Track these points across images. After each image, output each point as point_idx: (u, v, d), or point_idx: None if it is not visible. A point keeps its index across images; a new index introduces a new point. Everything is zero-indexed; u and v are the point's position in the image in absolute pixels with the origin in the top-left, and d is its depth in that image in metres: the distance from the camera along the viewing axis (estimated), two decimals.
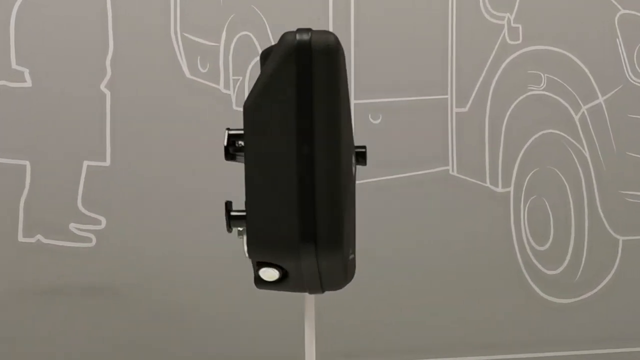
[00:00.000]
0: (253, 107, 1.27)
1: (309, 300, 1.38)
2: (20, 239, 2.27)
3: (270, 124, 1.27)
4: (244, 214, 1.30)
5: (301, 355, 2.40)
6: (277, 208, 1.28)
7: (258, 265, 1.32)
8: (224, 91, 2.36)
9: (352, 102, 2.31)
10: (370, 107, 2.40)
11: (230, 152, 1.37)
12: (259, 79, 1.30)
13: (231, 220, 1.35)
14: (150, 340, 2.32)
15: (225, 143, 1.36)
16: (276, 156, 1.28)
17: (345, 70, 1.33)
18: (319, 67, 1.28)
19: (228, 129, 1.37)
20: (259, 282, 1.33)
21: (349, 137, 1.33)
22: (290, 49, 1.28)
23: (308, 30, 1.30)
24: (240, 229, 1.34)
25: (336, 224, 1.28)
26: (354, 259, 1.39)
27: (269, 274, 1.32)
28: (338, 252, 1.28)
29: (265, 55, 1.35)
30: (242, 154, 1.35)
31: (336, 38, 1.30)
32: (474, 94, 2.49)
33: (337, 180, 1.28)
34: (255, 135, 1.28)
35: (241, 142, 1.30)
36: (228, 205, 1.37)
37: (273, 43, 2.37)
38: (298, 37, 1.29)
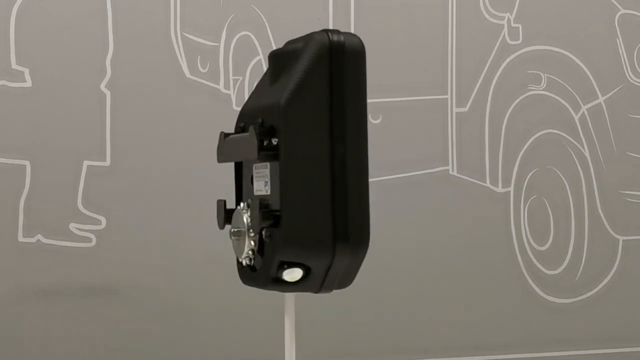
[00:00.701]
0: (289, 106, 1.28)
1: (289, 299, 1.38)
2: (20, 239, 2.27)
3: (305, 124, 1.29)
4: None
5: (302, 355, 2.40)
6: (311, 207, 1.29)
7: (281, 265, 1.32)
8: (224, 91, 2.36)
9: None
10: (370, 107, 2.39)
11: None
12: (288, 78, 1.32)
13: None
14: (151, 340, 2.32)
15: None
16: (311, 156, 1.29)
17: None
18: (350, 68, 1.31)
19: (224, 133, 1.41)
20: (276, 283, 1.33)
21: None
22: (324, 49, 1.30)
23: (337, 31, 1.33)
24: (236, 229, 1.35)
25: (366, 223, 1.31)
26: None
27: (294, 274, 1.32)
28: (365, 251, 1.31)
29: (276, 57, 1.36)
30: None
31: (361, 40, 1.34)
32: (474, 94, 2.49)
33: (365, 179, 1.31)
34: (291, 134, 1.29)
35: (274, 140, 1.32)
36: (224, 204, 1.41)
37: (273, 43, 2.38)
38: (331, 37, 1.31)
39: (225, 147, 1.38)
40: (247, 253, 1.34)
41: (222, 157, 1.40)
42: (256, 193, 1.34)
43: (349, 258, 1.30)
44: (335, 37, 1.31)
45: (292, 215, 1.29)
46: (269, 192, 1.32)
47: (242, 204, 1.35)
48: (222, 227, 1.38)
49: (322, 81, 1.30)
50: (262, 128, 1.29)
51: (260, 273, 1.34)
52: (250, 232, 1.33)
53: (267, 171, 1.32)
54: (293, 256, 1.30)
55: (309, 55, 1.30)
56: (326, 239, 1.29)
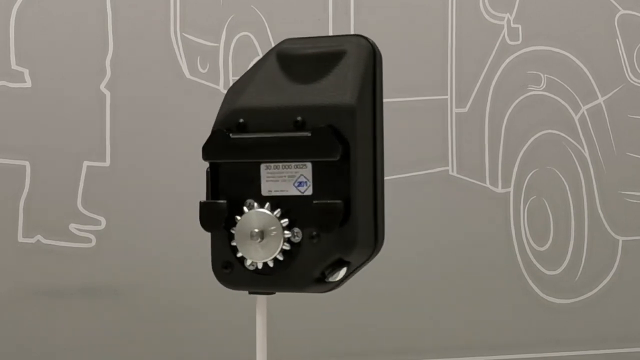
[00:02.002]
0: (358, 108, 1.32)
1: (261, 301, 1.39)
2: (20, 239, 2.27)
3: (364, 126, 1.34)
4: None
5: (302, 355, 2.41)
6: (365, 208, 1.34)
7: (331, 266, 1.34)
8: (224, 92, 2.35)
9: None
10: None
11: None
12: (340, 80, 1.37)
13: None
14: (151, 340, 2.32)
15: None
16: (365, 157, 1.34)
17: None
18: (379, 71, 1.39)
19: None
20: (316, 284, 1.36)
21: None
22: (370, 53, 1.38)
23: (364, 36, 1.40)
24: (259, 230, 1.36)
25: (384, 227, 1.38)
26: None
27: (339, 274, 1.37)
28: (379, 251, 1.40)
29: (300, 58, 1.37)
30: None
31: None
32: (473, 94, 2.49)
33: (383, 181, 1.38)
34: (360, 136, 1.33)
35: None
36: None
37: (273, 43, 2.38)
38: (370, 42, 1.39)
39: (234, 146, 1.37)
40: (274, 256, 1.34)
41: (239, 156, 1.37)
42: (271, 194, 1.34)
43: (371, 259, 1.37)
44: (371, 42, 1.39)
45: (358, 217, 1.32)
46: (308, 193, 1.33)
47: (265, 205, 1.34)
48: (219, 229, 1.39)
49: (370, 85, 1.35)
50: (330, 128, 1.32)
51: (289, 275, 1.34)
52: (285, 234, 1.35)
53: (305, 172, 1.34)
54: (351, 257, 1.34)
55: (360, 59, 1.36)
56: (370, 239, 1.34)
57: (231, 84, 2.39)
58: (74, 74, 2.29)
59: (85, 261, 2.29)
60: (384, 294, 2.43)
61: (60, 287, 2.28)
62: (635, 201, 2.57)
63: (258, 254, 1.34)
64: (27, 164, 2.27)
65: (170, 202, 2.32)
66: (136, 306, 2.31)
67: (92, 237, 2.30)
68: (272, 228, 1.33)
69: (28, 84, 2.27)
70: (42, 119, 2.28)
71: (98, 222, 2.30)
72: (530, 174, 2.53)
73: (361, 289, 2.13)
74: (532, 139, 2.52)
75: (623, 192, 2.57)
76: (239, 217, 1.35)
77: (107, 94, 2.31)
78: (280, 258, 1.33)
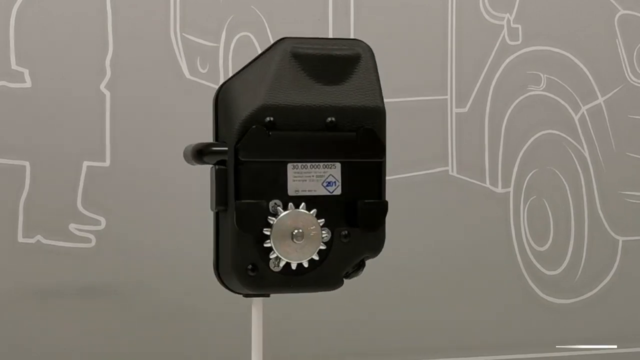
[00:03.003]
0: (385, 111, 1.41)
1: (257, 303, 1.39)
2: (20, 239, 2.27)
3: (382, 127, 1.41)
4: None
5: (303, 355, 2.40)
6: (383, 206, 1.40)
7: (358, 264, 1.40)
8: None
9: None
10: None
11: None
12: (362, 83, 1.42)
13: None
14: (150, 340, 2.32)
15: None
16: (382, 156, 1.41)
17: None
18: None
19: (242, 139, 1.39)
20: (342, 282, 1.40)
21: None
22: (373, 56, 1.46)
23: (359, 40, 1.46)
24: (300, 230, 1.36)
25: None
26: None
27: (361, 271, 1.41)
28: None
29: (320, 59, 1.40)
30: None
31: None
32: (473, 95, 2.49)
33: None
34: (385, 137, 1.40)
35: None
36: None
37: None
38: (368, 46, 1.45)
39: (273, 145, 1.34)
40: (312, 256, 1.35)
41: (270, 154, 1.34)
42: (298, 194, 1.34)
43: None
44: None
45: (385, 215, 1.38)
46: (337, 193, 1.34)
47: (300, 204, 1.33)
48: (258, 231, 1.34)
49: (378, 87, 1.45)
50: (364, 129, 1.36)
51: (321, 275, 1.35)
52: (323, 234, 1.34)
53: (334, 172, 1.34)
54: (376, 254, 1.40)
55: (372, 63, 1.45)
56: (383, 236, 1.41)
57: None
58: (74, 74, 2.29)
59: (85, 261, 2.29)
60: (383, 294, 2.43)
61: (60, 287, 2.28)
62: (635, 201, 2.57)
63: (296, 255, 1.33)
64: (27, 164, 2.27)
65: (171, 202, 2.32)
66: (136, 306, 2.31)
67: (92, 237, 2.30)
68: (312, 228, 1.33)
69: (28, 84, 2.27)
70: (42, 119, 2.27)
71: (98, 222, 2.30)
72: (530, 174, 2.53)
73: (361, 289, 2.13)
74: (532, 139, 2.52)
75: (623, 192, 2.57)
76: (272, 218, 1.33)
77: (107, 94, 2.31)
78: (316, 258, 1.34)
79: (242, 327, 2.38)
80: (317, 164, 1.33)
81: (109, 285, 2.30)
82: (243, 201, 1.32)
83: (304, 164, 1.33)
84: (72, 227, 2.29)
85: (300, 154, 1.34)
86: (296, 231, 1.32)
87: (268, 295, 1.36)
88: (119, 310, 2.31)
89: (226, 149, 1.34)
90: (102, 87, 2.30)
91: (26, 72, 2.27)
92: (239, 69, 1.36)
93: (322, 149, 1.34)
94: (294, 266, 1.33)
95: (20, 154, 2.27)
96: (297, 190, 1.33)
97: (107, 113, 2.31)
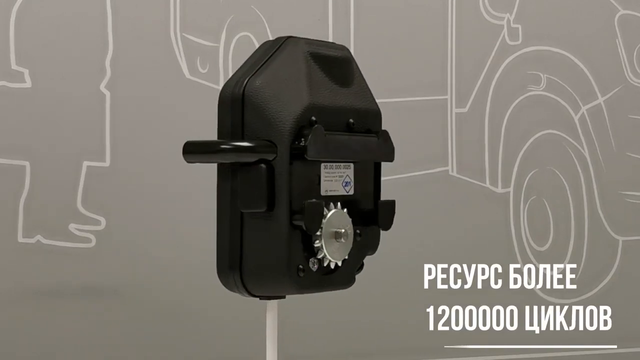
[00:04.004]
0: None
1: (271, 305, 1.38)
2: (20, 239, 2.27)
3: None
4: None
5: (302, 355, 2.40)
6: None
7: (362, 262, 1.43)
8: None
9: None
10: None
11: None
12: (362, 85, 1.40)
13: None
14: (150, 340, 2.32)
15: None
16: None
17: None
18: None
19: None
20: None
21: None
22: None
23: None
24: (341, 230, 1.36)
25: None
26: None
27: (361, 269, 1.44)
28: None
29: (333, 59, 1.40)
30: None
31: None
32: (473, 95, 2.50)
33: None
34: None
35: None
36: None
37: None
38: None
39: (330, 144, 1.32)
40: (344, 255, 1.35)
41: (323, 154, 1.32)
42: (327, 194, 1.33)
43: None
44: None
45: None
46: (351, 193, 1.35)
47: (336, 205, 1.32)
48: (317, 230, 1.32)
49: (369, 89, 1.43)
50: (384, 132, 1.39)
51: (342, 273, 1.36)
52: (357, 233, 1.36)
53: (350, 172, 1.35)
54: (375, 252, 1.42)
55: (357, 66, 1.42)
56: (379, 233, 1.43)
57: None
58: (74, 74, 2.29)
59: (85, 261, 2.29)
60: (382, 293, 2.43)
61: (60, 287, 2.28)
62: (635, 201, 2.57)
63: (338, 254, 1.34)
64: (27, 164, 2.27)
65: (170, 202, 2.32)
66: (136, 306, 2.31)
67: (92, 237, 2.30)
68: (348, 227, 1.34)
69: (28, 84, 2.27)
70: (42, 119, 2.28)
71: (98, 222, 2.30)
72: (530, 174, 2.53)
73: (359, 289, 2.13)
74: (532, 139, 2.52)
75: (623, 192, 2.57)
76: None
77: (107, 94, 2.31)
78: (346, 257, 1.34)
79: (242, 327, 2.38)
80: (339, 164, 1.34)
81: (109, 285, 2.30)
82: (312, 201, 1.29)
83: (332, 164, 1.33)
84: (72, 227, 2.29)
85: (338, 154, 1.34)
86: (342, 230, 1.33)
87: (284, 297, 1.36)
88: (118, 310, 2.31)
89: (272, 147, 1.28)
90: (102, 87, 2.30)
91: (26, 72, 2.27)
92: (249, 67, 1.34)
93: (353, 149, 1.35)
94: (332, 265, 1.33)
95: (20, 154, 2.27)
96: (327, 190, 1.33)
97: (107, 113, 2.31)
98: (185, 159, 1.35)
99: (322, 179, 1.32)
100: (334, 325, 2.38)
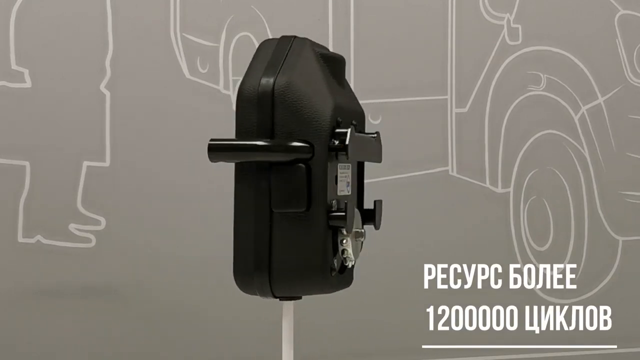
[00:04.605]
0: None
1: (287, 307, 1.37)
2: (20, 239, 2.27)
3: None
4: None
5: (302, 355, 2.40)
6: None
7: None
8: (224, 92, 2.36)
9: None
10: (370, 107, 2.40)
11: None
12: (349, 88, 1.40)
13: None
14: (150, 340, 2.32)
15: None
16: None
17: None
18: None
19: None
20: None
21: None
22: None
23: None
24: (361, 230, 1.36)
25: None
26: None
27: None
28: None
29: (335, 61, 1.40)
30: None
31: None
32: (473, 95, 2.49)
33: None
34: None
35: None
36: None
37: None
38: None
39: (360, 145, 1.33)
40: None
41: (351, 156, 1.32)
42: (340, 193, 1.32)
43: None
44: None
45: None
46: (350, 193, 1.35)
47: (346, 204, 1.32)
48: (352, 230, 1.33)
49: None
50: (378, 133, 1.40)
51: (349, 272, 1.36)
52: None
53: (349, 172, 1.34)
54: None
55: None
56: None
57: (231, 84, 2.39)
58: (74, 74, 2.29)
59: (85, 261, 2.29)
60: (382, 293, 2.43)
61: (60, 287, 2.28)
62: (635, 201, 2.57)
63: (357, 253, 1.34)
64: (27, 164, 2.27)
65: (170, 202, 2.32)
66: (136, 306, 2.31)
67: (92, 237, 2.30)
68: (363, 227, 1.34)
69: (28, 84, 2.27)
70: (42, 119, 2.27)
71: (98, 222, 2.30)
72: (530, 174, 2.53)
73: (359, 289, 2.13)
74: (532, 139, 2.52)
75: (623, 192, 2.57)
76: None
77: (107, 94, 2.31)
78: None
79: (241, 327, 2.38)
80: (348, 164, 1.33)
81: (108, 285, 2.30)
82: (348, 202, 1.30)
83: (345, 164, 1.33)
84: (72, 227, 2.29)
85: (365, 155, 1.37)
86: (362, 230, 1.33)
87: (300, 298, 1.35)
88: (119, 310, 2.31)
89: (308, 146, 1.27)
90: (102, 87, 2.30)
91: (26, 72, 2.27)
92: (267, 66, 1.32)
93: (371, 151, 1.36)
94: (349, 265, 1.33)
95: (20, 154, 2.27)
96: (342, 190, 1.33)
97: (107, 113, 2.31)
98: (211, 158, 1.30)
99: (338, 179, 1.32)
100: (334, 325, 2.38)
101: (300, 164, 1.25)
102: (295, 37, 1.35)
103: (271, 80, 1.27)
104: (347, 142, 1.27)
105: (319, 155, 1.26)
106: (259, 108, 1.27)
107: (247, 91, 1.28)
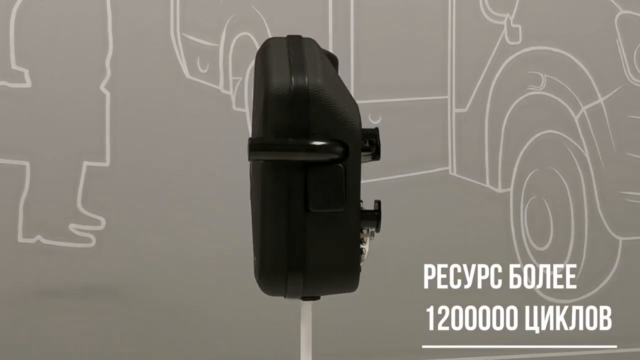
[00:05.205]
0: None
1: (306, 307, 1.37)
2: (20, 239, 2.27)
3: None
4: None
5: (298, 355, 2.40)
6: None
7: None
8: (224, 92, 2.36)
9: None
10: (370, 107, 2.40)
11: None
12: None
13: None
14: (150, 340, 2.32)
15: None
16: None
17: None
18: None
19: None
20: None
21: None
22: None
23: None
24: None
25: None
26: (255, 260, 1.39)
27: None
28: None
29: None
30: None
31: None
32: (473, 95, 2.49)
33: None
34: None
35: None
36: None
37: None
38: None
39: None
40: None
41: None
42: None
43: None
44: None
45: None
46: None
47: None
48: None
49: None
50: None
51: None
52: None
53: None
54: None
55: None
56: None
57: (231, 84, 2.39)
58: (74, 74, 2.29)
59: (85, 261, 2.29)
60: (382, 293, 2.42)
61: (60, 287, 2.28)
62: (635, 201, 2.57)
63: (368, 252, 1.35)
64: (27, 164, 2.27)
65: (170, 202, 2.32)
66: (136, 306, 2.31)
67: (92, 237, 2.30)
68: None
69: (28, 84, 2.27)
70: (42, 119, 2.27)
71: (98, 222, 2.30)
72: (530, 174, 2.53)
73: (359, 289, 2.13)
74: (532, 139, 2.52)
75: (623, 192, 2.57)
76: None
77: (107, 94, 2.31)
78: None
79: (242, 327, 2.38)
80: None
81: (109, 285, 2.30)
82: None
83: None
84: (72, 227, 2.29)
85: (380, 155, 1.37)
86: (373, 229, 1.34)
87: (319, 298, 1.36)
88: (119, 310, 2.31)
89: (348, 147, 1.28)
90: (102, 87, 2.30)
91: (26, 72, 2.27)
92: (292, 65, 1.31)
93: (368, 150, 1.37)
94: (362, 263, 1.34)
95: (20, 154, 2.27)
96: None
97: (107, 113, 2.31)
98: (251, 156, 1.27)
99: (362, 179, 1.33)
100: (334, 325, 2.38)
101: (339, 164, 1.26)
102: (301, 36, 1.35)
103: (304, 79, 1.27)
104: (379, 143, 1.28)
105: (353, 155, 1.27)
106: (293, 107, 1.26)
107: (278, 90, 1.26)
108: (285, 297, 1.30)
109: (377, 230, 1.28)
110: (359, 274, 1.30)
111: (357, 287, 1.31)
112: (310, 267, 1.28)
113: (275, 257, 1.27)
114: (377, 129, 1.37)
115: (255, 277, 1.30)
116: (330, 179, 1.26)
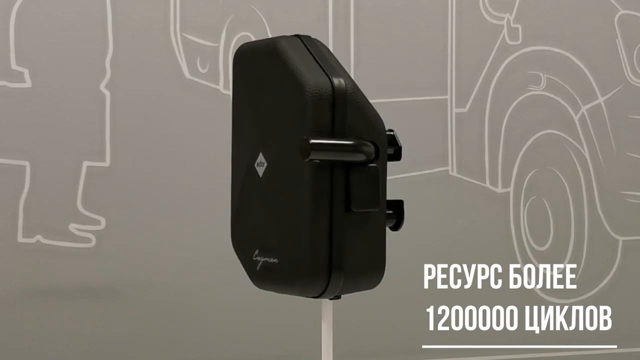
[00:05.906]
0: None
1: (326, 305, 1.38)
2: (20, 239, 2.27)
3: None
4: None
5: (298, 355, 2.40)
6: None
7: None
8: (224, 91, 2.36)
9: None
10: None
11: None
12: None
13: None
14: (150, 340, 2.32)
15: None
16: None
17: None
18: None
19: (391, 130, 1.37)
20: None
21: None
22: None
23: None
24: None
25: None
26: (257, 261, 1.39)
27: None
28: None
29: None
30: None
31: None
32: (473, 95, 2.49)
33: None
34: None
35: None
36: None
37: None
38: None
39: None
40: None
41: None
42: None
43: None
44: None
45: None
46: None
47: None
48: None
49: None
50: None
51: None
52: None
53: None
54: None
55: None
56: None
57: (231, 84, 2.38)
58: (74, 73, 2.29)
59: (85, 261, 2.29)
60: (382, 293, 2.42)
61: (60, 287, 2.28)
62: (635, 201, 2.57)
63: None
64: (27, 164, 2.27)
65: (170, 202, 2.32)
66: (136, 306, 2.31)
67: (92, 237, 2.30)
68: None
69: (28, 84, 2.27)
70: (42, 119, 2.27)
71: (98, 222, 2.30)
72: (530, 174, 2.53)
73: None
74: (532, 139, 2.52)
75: (623, 192, 2.57)
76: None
77: (107, 94, 2.31)
78: None
79: (242, 327, 2.38)
80: None
81: (109, 285, 2.30)
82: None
83: None
84: (72, 227, 2.29)
85: None
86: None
87: (340, 297, 1.37)
88: (119, 310, 2.31)
89: (373, 148, 1.29)
90: (102, 87, 2.30)
91: (26, 72, 2.27)
92: (321, 64, 1.31)
93: None
94: None
95: (20, 154, 2.27)
96: None
97: (107, 113, 2.31)
98: (313, 156, 1.26)
99: None
100: (334, 325, 2.37)
101: (374, 165, 1.28)
102: (310, 37, 1.35)
103: (341, 80, 1.28)
104: (400, 144, 1.30)
105: (382, 157, 1.29)
106: (334, 108, 1.27)
107: (320, 90, 1.27)
108: (319, 297, 1.32)
109: (397, 229, 1.30)
110: (381, 275, 1.35)
111: (376, 285, 1.35)
112: (349, 266, 1.29)
113: (318, 257, 1.27)
114: (393, 130, 1.37)
115: (276, 276, 1.30)
116: (369, 179, 1.28)
